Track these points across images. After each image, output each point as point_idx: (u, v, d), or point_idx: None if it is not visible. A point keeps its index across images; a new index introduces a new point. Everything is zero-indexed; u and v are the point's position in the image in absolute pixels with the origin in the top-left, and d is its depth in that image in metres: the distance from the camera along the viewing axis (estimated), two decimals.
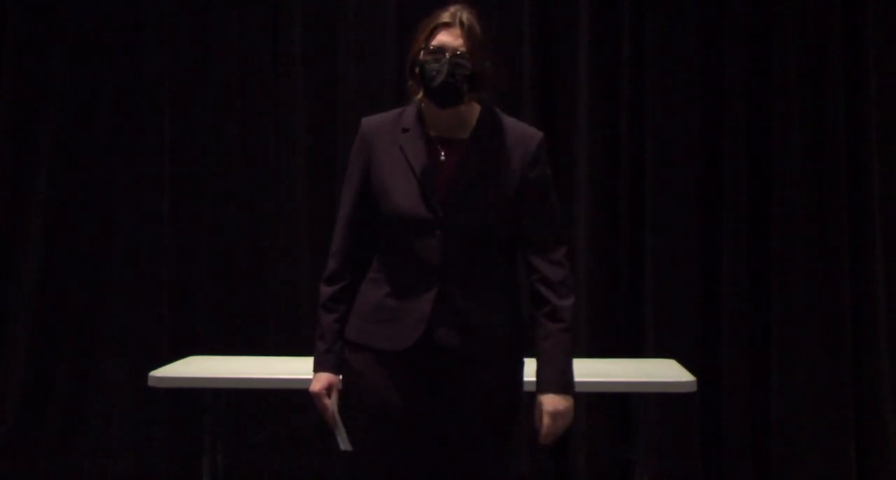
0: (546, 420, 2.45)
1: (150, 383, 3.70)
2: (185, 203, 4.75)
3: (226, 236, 4.74)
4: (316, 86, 4.77)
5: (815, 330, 4.59)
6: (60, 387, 4.73)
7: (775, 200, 4.62)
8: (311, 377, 2.49)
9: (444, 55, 2.40)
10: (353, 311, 2.49)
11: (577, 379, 3.68)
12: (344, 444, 2.48)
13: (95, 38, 4.80)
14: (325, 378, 2.47)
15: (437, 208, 2.40)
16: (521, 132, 2.51)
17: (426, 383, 2.43)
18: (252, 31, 4.80)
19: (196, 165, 4.77)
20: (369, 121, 2.55)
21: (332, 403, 2.46)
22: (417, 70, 2.43)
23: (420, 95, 2.47)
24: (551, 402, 2.45)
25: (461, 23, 2.42)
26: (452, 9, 2.45)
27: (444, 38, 2.41)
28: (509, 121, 2.52)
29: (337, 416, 2.47)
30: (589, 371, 3.83)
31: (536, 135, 2.51)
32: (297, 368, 3.76)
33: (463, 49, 2.40)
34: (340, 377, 2.49)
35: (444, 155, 2.45)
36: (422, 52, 2.42)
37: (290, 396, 4.48)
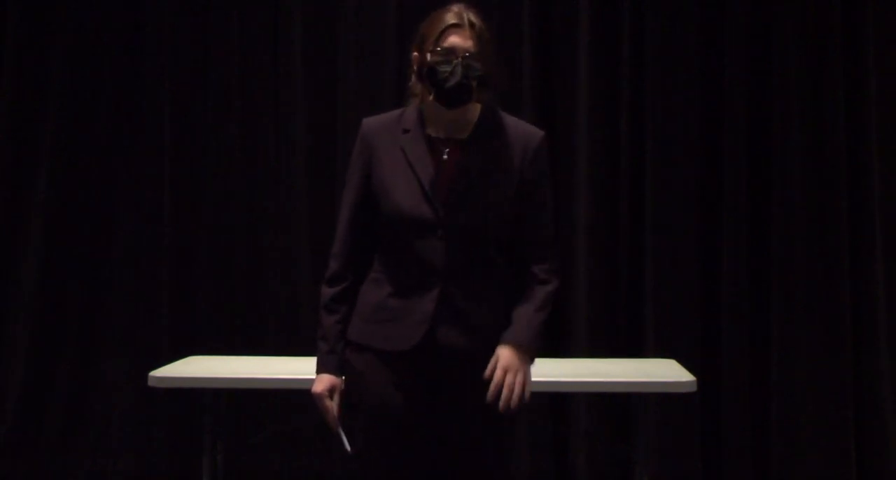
0: (497, 372, 2.36)
1: (150, 383, 3.70)
2: (185, 203, 4.75)
3: (226, 236, 4.74)
4: (316, 86, 4.77)
5: (815, 330, 4.59)
6: (60, 387, 4.73)
7: (775, 200, 4.62)
8: (311, 377, 2.49)
9: (456, 57, 2.40)
10: (354, 312, 2.49)
11: (576, 379, 3.72)
12: (346, 446, 2.48)
13: (95, 38, 4.80)
14: (327, 379, 2.47)
15: (438, 208, 2.40)
16: (522, 131, 2.51)
17: (427, 383, 2.43)
18: (252, 31, 4.80)
19: (196, 165, 4.77)
20: (370, 122, 2.55)
21: (334, 405, 2.46)
22: (426, 72, 2.42)
23: (421, 96, 2.47)
24: (505, 355, 2.38)
25: (470, 24, 2.43)
26: (456, 9, 2.45)
27: (454, 39, 2.41)
28: (510, 120, 2.52)
29: (337, 419, 2.46)
30: (589, 371, 3.84)
31: (537, 133, 2.52)
32: (297, 368, 3.76)
33: (473, 50, 2.41)
34: (343, 378, 2.49)
35: (447, 155, 2.46)
36: (430, 54, 2.42)
37: (290, 396, 4.48)
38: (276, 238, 4.74)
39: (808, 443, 4.54)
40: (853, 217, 4.62)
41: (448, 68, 2.39)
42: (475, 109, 2.50)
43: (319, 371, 2.49)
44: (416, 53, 2.48)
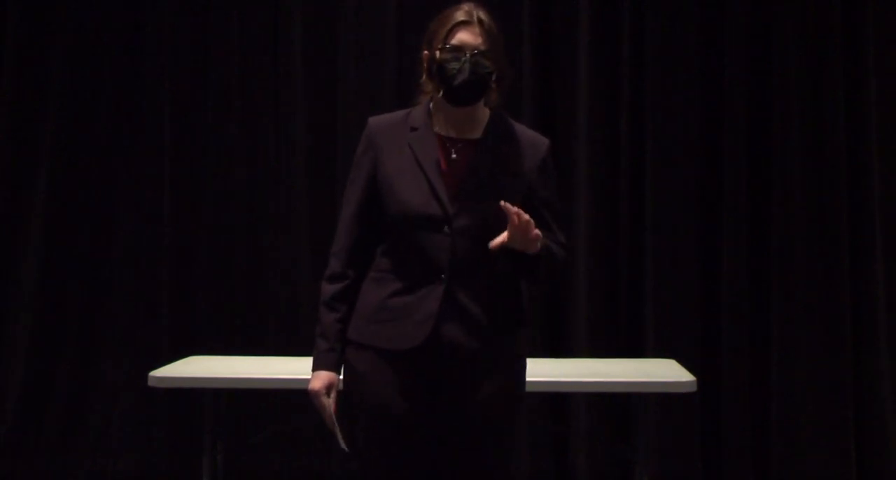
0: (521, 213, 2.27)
1: (150, 383, 3.70)
2: (185, 203, 4.75)
3: (226, 236, 4.74)
4: (316, 86, 4.77)
5: (815, 330, 4.59)
6: (60, 387, 4.73)
7: (775, 200, 4.62)
8: (310, 377, 2.49)
9: (465, 54, 2.40)
10: (355, 311, 2.48)
11: (576, 379, 3.72)
12: (342, 443, 2.47)
13: (95, 38, 4.80)
14: (324, 376, 2.47)
15: (446, 205, 2.40)
16: (531, 138, 2.53)
17: (428, 383, 2.43)
18: (252, 31, 4.80)
19: (196, 165, 4.77)
20: (376, 121, 2.54)
21: (330, 403, 2.46)
22: (435, 68, 2.42)
23: (430, 94, 2.47)
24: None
25: (480, 21, 2.43)
26: (467, 7, 2.45)
27: (463, 36, 2.41)
28: (518, 127, 2.54)
29: (334, 416, 2.46)
30: (589, 371, 3.84)
31: (544, 141, 2.54)
32: (297, 368, 3.76)
33: (483, 47, 2.41)
34: (340, 377, 2.49)
35: (455, 153, 2.46)
36: (439, 51, 2.42)
37: (290, 396, 4.47)
38: (276, 238, 4.74)
39: (808, 443, 4.54)
40: (853, 217, 4.62)
41: (457, 65, 2.39)
42: (484, 111, 2.50)
43: (316, 368, 2.48)
44: (426, 52, 2.48)
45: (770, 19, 4.66)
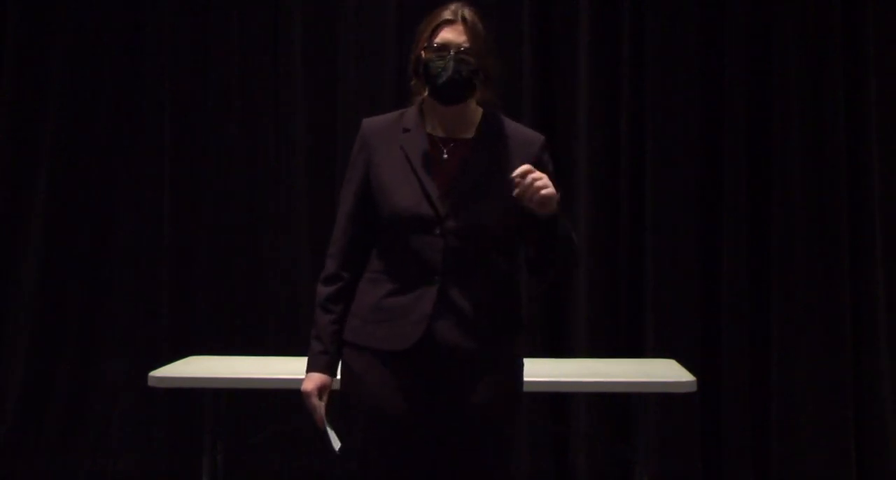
0: (526, 167, 2.28)
1: (150, 383, 3.70)
2: (185, 203, 4.75)
3: (226, 236, 4.74)
4: (316, 86, 4.77)
5: (815, 330, 4.59)
6: (60, 387, 4.73)
7: (775, 200, 4.62)
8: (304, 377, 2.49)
9: (449, 52, 2.40)
10: (351, 312, 2.48)
11: (576, 379, 3.72)
12: (334, 444, 2.47)
13: (95, 38, 4.80)
14: (317, 378, 2.47)
15: (438, 206, 2.39)
16: (524, 135, 2.52)
17: (426, 383, 2.43)
18: (252, 31, 4.80)
19: (196, 165, 4.77)
20: (370, 122, 2.55)
21: (321, 404, 2.46)
22: (421, 68, 2.42)
23: (422, 95, 2.47)
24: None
25: (464, 19, 2.43)
26: (453, 6, 2.46)
27: (447, 35, 2.42)
28: (512, 125, 2.53)
29: (325, 418, 2.45)
30: (589, 371, 3.84)
31: (538, 138, 2.53)
32: (296, 368, 3.72)
33: (467, 45, 2.41)
34: (333, 379, 2.49)
35: (447, 153, 2.45)
36: (425, 50, 2.42)
37: (290, 396, 4.43)
38: (276, 238, 4.74)
39: (808, 443, 4.54)
40: (853, 217, 4.62)
41: (441, 63, 2.39)
42: (476, 110, 2.50)
43: (309, 369, 2.48)
44: (413, 54, 2.48)
45: (770, 19, 4.66)
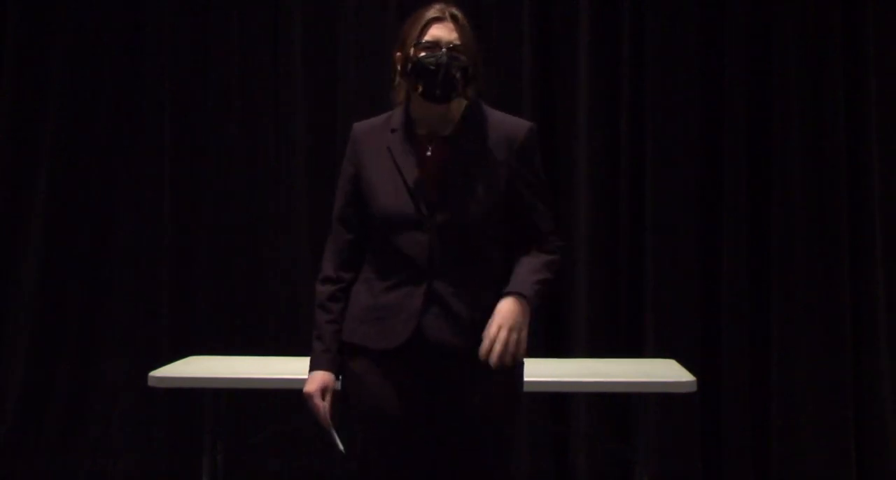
0: (492, 328, 2.33)
1: (150, 383, 3.70)
2: (185, 203, 4.75)
3: (226, 236, 4.74)
4: (316, 86, 4.77)
5: (815, 330, 4.59)
6: (60, 387, 4.73)
7: (775, 200, 4.62)
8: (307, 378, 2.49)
9: (440, 49, 2.40)
10: (348, 313, 2.49)
11: (577, 379, 3.72)
12: (338, 446, 2.47)
13: (95, 38, 4.80)
14: (319, 377, 2.46)
15: (423, 205, 2.40)
16: (509, 124, 2.49)
17: (424, 383, 2.43)
18: (252, 31, 4.80)
19: (196, 165, 4.77)
20: (359, 126, 2.56)
21: (325, 404, 2.45)
22: (411, 67, 2.42)
23: (403, 96, 2.48)
24: (504, 309, 2.35)
25: (453, 17, 2.43)
26: (438, 5, 2.46)
27: (437, 32, 2.42)
28: (496, 115, 2.51)
29: (329, 419, 2.45)
30: (589, 371, 3.84)
31: (524, 125, 2.50)
32: (296, 368, 3.74)
33: (457, 42, 2.41)
34: (336, 378, 2.49)
35: (431, 151, 2.45)
36: (414, 48, 2.42)
37: (290, 396, 4.44)
38: (276, 238, 4.74)
39: (808, 443, 4.54)
40: (853, 217, 4.62)
41: (434, 59, 2.39)
42: (461, 106, 2.49)
43: (312, 369, 2.48)
44: (398, 53, 2.47)
45: (770, 19, 4.66)
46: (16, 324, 4.76)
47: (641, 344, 4.59)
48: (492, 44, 4.57)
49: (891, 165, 4.64)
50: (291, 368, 3.76)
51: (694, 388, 3.65)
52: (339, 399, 2.49)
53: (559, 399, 4.56)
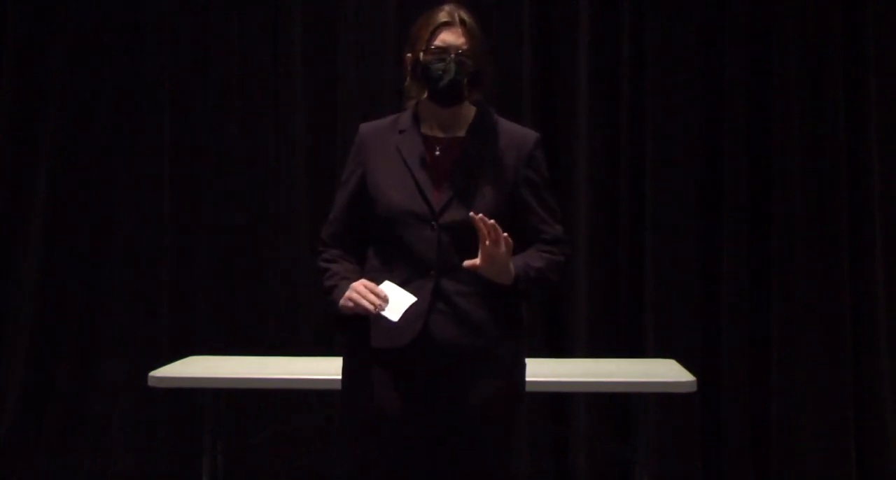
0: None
1: (150, 383, 3.70)
2: (185, 203, 4.75)
3: (226, 236, 4.74)
4: (316, 86, 4.77)
5: (815, 330, 4.59)
6: (60, 387, 4.73)
7: (775, 200, 4.62)
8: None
9: (449, 54, 2.42)
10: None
11: (576, 379, 3.72)
12: (394, 315, 2.35)
13: (95, 38, 4.80)
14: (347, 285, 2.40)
15: (431, 201, 2.41)
16: (517, 132, 2.54)
17: (425, 383, 2.43)
18: (252, 31, 4.80)
19: (196, 165, 4.77)
20: (366, 127, 2.57)
21: (370, 285, 2.36)
22: (420, 71, 2.43)
23: (416, 99, 2.49)
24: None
25: (462, 21, 2.45)
26: (448, 8, 2.47)
27: (446, 37, 2.44)
28: (504, 123, 2.55)
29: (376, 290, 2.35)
30: (589, 371, 3.84)
31: (532, 134, 2.55)
32: (296, 368, 3.77)
33: (465, 47, 2.43)
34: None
35: (440, 150, 2.46)
36: (423, 53, 2.43)
37: (290, 396, 4.49)
38: (276, 238, 4.74)
39: (808, 443, 4.54)
40: (853, 217, 4.62)
41: (442, 66, 2.41)
42: (469, 109, 2.52)
43: (336, 296, 2.42)
44: (409, 54, 2.49)
45: (770, 19, 4.66)
46: (16, 324, 4.76)
47: (641, 344, 4.59)
48: (492, 44, 4.56)
49: (891, 165, 4.64)
50: (291, 368, 3.77)
51: (694, 388, 3.65)
52: (340, 397, 2.49)
53: (559, 399, 4.56)
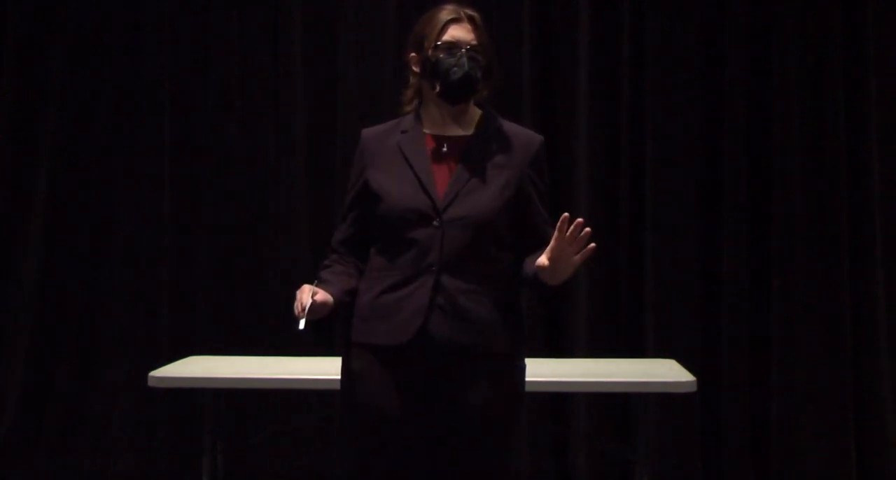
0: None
1: (150, 383, 3.70)
2: (185, 203, 4.75)
3: (226, 236, 4.74)
4: (316, 86, 4.77)
5: (815, 330, 4.59)
6: (60, 387, 4.73)
7: (775, 200, 4.62)
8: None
9: (460, 49, 2.41)
10: (353, 312, 2.48)
11: (576, 379, 3.73)
12: (300, 324, 2.38)
13: (95, 38, 4.80)
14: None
15: (435, 197, 2.41)
16: (524, 135, 2.54)
17: (425, 382, 2.42)
18: (252, 31, 4.80)
19: (196, 165, 4.77)
20: (368, 132, 2.57)
21: (312, 289, 2.38)
22: (430, 67, 2.43)
23: (412, 104, 2.50)
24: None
25: (470, 17, 2.46)
26: (451, 6, 2.48)
27: (456, 32, 2.44)
28: (509, 125, 2.55)
29: (308, 299, 2.36)
30: (589, 371, 3.84)
31: (537, 138, 2.54)
32: (296, 368, 3.77)
33: (475, 43, 2.43)
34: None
35: (446, 148, 2.47)
36: (433, 50, 2.42)
37: (290, 396, 4.48)
38: (276, 238, 4.74)
39: (808, 443, 4.54)
40: (853, 217, 4.62)
41: (453, 60, 2.41)
42: (474, 109, 2.52)
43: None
44: (413, 54, 2.49)
45: (770, 19, 4.66)
46: (16, 324, 4.76)
47: (641, 344, 4.59)
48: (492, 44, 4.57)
49: (891, 165, 4.64)
50: (291, 368, 3.77)
51: (694, 388, 3.65)
52: (339, 396, 2.48)
53: (559, 399, 4.56)
